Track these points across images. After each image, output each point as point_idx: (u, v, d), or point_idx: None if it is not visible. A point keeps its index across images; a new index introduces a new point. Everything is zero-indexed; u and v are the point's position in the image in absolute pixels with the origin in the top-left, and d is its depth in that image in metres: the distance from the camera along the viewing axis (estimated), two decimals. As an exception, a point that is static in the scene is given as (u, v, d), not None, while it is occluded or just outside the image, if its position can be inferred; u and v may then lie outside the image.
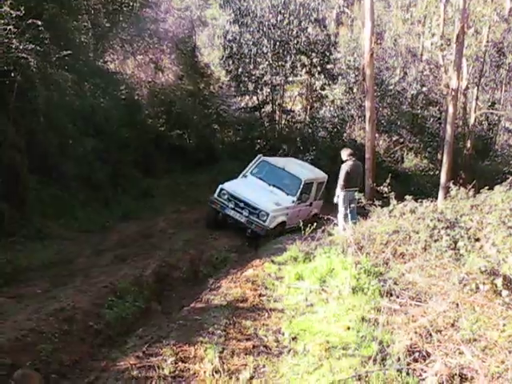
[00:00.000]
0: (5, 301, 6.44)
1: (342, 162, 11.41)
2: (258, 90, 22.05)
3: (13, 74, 9.90)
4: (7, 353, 4.80)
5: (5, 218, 8.95)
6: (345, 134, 23.12)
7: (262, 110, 22.59)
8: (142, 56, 20.83)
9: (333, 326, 5.91)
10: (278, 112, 22.49)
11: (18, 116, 10.23)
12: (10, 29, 9.79)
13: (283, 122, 22.64)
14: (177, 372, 4.68)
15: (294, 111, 23.33)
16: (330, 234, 10.24)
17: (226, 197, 12.12)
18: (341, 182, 10.93)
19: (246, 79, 21.76)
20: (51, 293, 6.85)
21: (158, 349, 5.21)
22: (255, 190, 12.55)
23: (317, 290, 7.35)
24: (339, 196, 11.03)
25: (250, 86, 21.98)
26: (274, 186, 12.99)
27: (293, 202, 12.80)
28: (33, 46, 10.12)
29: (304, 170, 14.17)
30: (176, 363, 4.84)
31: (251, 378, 4.74)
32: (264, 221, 11.78)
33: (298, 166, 14.52)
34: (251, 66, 21.33)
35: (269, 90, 22.00)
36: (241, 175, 13.34)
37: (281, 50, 20.99)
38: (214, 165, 19.19)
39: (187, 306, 7.14)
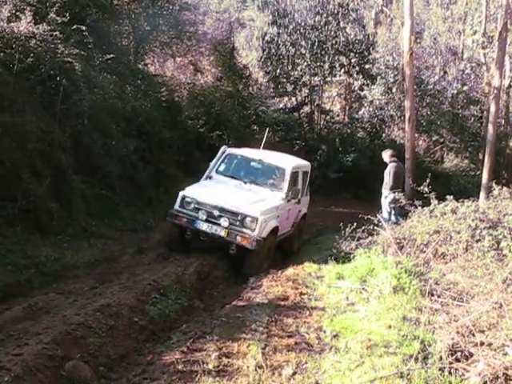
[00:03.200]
0: (54, 296, 6.68)
1: (385, 163, 11.40)
2: (297, 91, 22.12)
3: (58, 78, 10.24)
4: (59, 345, 4.98)
5: (54, 216, 9.25)
6: (384, 135, 22.97)
7: (301, 110, 22.65)
8: (181, 58, 21.11)
9: (374, 324, 5.94)
10: (316, 113, 22.51)
11: (63, 118, 10.54)
12: (55, 35, 10.14)
13: (322, 122, 22.64)
14: (221, 367, 4.79)
15: (332, 112, 23.30)
16: (370, 234, 10.25)
17: (192, 206, 9.22)
18: (391, 182, 10.95)
19: (285, 80, 21.86)
20: (97, 289, 7.05)
21: (201, 344, 5.33)
22: (231, 192, 9.69)
23: (357, 289, 7.39)
24: (387, 197, 11.02)
25: (289, 87, 22.07)
26: (251, 183, 10.11)
27: (282, 199, 9.95)
28: (77, 51, 10.50)
29: (285, 158, 11.34)
30: (220, 358, 4.95)
31: (293, 373, 4.82)
32: (253, 229, 8.92)
33: (275, 155, 11.50)
34: (289, 67, 21.41)
35: (307, 91, 22.05)
36: (203, 177, 10.44)
37: (319, 51, 21.00)
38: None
39: (229, 303, 7.25)
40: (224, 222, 8.94)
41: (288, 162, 10.69)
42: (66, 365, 4.77)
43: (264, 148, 11.36)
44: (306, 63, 21.27)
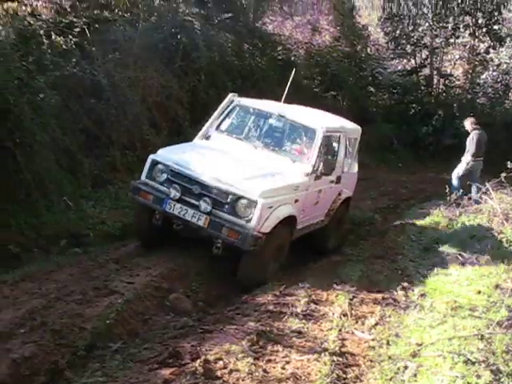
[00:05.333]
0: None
1: (468, 132, 11.14)
2: (416, 53, 21.47)
3: (179, 36, 10.83)
4: (165, 279, 5.62)
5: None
6: (507, 101, 21.77)
7: (419, 73, 21.98)
8: (300, 17, 21.16)
9: (464, 288, 6.02)
10: (435, 76, 21.76)
11: (182, 74, 11.17)
12: (184, -6, 10.73)
13: (440, 86, 21.87)
14: (308, 311, 5.15)
15: (452, 75, 22.37)
16: (477, 203, 10.08)
17: (164, 177, 6.26)
18: (473, 149, 10.74)
19: (404, 41, 21.26)
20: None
21: (293, 290, 5.73)
22: (227, 159, 6.63)
23: (454, 254, 7.43)
24: (468, 163, 10.83)
25: (408, 49, 21.46)
26: (266, 148, 7.00)
27: (306, 174, 6.71)
28: (197, 10, 11.01)
29: (318, 116, 8.08)
30: (308, 304, 5.32)
31: (375, 324, 5.09)
32: (248, 218, 5.81)
33: (306, 111, 8.22)
34: (410, 28, 20.79)
35: (427, 53, 21.32)
36: (198, 136, 7.47)
37: (443, 11, 20.15)
38: (367, 127, 19.06)
39: (326, 257, 7.58)
40: (205, 204, 5.92)
41: (321, 121, 7.41)
42: (169, 296, 5.38)
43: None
44: (427, 24, 20.52)
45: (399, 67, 22.72)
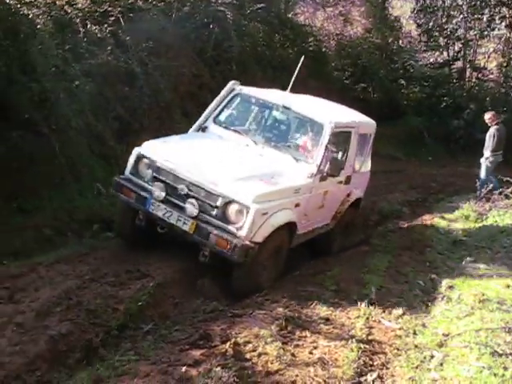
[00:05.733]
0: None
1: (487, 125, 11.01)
2: (449, 45, 21.20)
3: (211, 26, 10.92)
4: (195, 264, 5.70)
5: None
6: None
7: (452, 66, 21.70)
8: (331, 8, 21.05)
9: (492, 282, 6.01)
10: (468, 69, 21.46)
11: (213, 63, 11.27)
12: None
13: (473, 79, 21.57)
14: (336, 300, 5.23)
15: (486, 69, 22.05)
16: (507, 197, 9.99)
17: (149, 173, 5.62)
18: (493, 145, 10.66)
19: (437, 33, 21.01)
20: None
21: (321, 279, 5.82)
22: (221, 155, 5.96)
23: (483, 247, 7.41)
24: (488, 159, 10.73)
25: (441, 41, 21.21)
26: (266, 144, 6.31)
27: (310, 175, 5.98)
28: (229, 0, 11.05)
29: (327, 109, 7.28)
30: (336, 292, 5.41)
31: (403, 314, 5.12)
32: (239, 226, 5.18)
33: (315, 103, 7.51)
34: (443, 20, 20.52)
35: (460, 46, 21.03)
36: (193, 127, 6.70)
37: (478, 2, 19.82)
38: (398, 120, 19.03)
39: (353, 248, 7.63)
40: (191, 206, 5.30)
41: (330, 115, 6.58)
42: (199, 281, 5.49)
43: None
44: (461, 16, 20.23)
45: (431, 60, 22.45)
